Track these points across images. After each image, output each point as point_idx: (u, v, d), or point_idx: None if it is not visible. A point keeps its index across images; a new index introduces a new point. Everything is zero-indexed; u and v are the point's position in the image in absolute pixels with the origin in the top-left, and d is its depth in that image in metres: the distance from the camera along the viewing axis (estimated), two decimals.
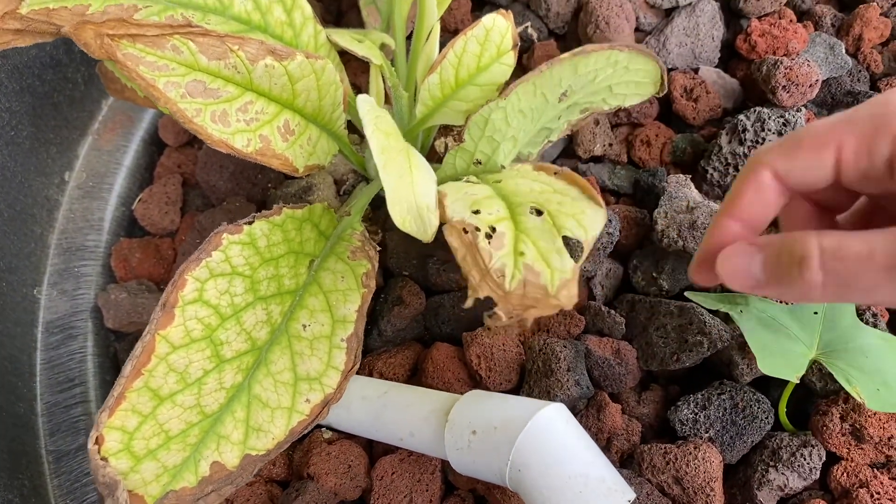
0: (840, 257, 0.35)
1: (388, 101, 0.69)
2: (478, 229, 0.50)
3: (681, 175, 0.67)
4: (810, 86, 0.68)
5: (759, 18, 0.77)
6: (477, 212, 0.51)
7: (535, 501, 0.47)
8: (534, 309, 0.50)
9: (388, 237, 0.71)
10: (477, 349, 0.61)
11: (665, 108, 0.76)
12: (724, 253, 0.40)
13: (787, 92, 0.68)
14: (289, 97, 0.56)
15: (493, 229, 0.51)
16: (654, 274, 0.66)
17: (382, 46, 0.71)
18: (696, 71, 0.76)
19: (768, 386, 0.62)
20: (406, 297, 0.66)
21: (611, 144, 0.74)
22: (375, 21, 0.76)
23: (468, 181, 0.60)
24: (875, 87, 0.75)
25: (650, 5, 0.78)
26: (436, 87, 0.63)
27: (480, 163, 0.62)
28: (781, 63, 0.68)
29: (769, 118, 0.66)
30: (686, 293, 0.58)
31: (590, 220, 0.52)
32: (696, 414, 0.59)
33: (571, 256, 0.51)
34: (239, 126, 0.53)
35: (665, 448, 0.56)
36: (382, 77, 0.67)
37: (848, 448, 0.57)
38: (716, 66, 0.77)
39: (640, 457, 0.57)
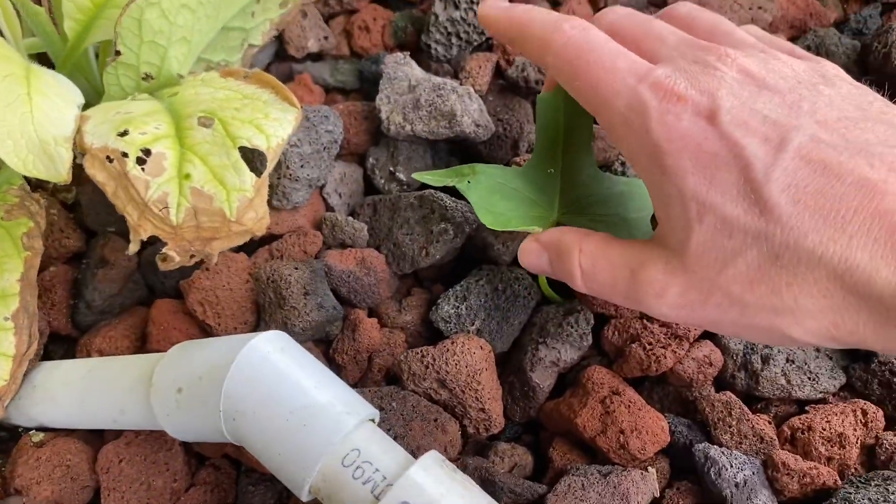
0: (593, 281, 0.42)
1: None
2: (125, 155, 0.40)
3: (398, 53, 0.60)
4: None
5: None
6: (125, 132, 0.41)
7: (257, 450, 0.40)
8: (216, 241, 0.42)
9: (81, 192, 0.59)
10: (197, 296, 0.52)
11: None
12: (522, 247, 0.47)
13: None
14: None
15: (148, 152, 0.41)
16: (391, 168, 0.59)
17: None
18: None
19: None
20: (110, 256, 0.56)
21: (326, 38, 0.66)
22: None
23: (135, 100, 0.49)
24: None
25: None
26: None
27: (151, 77, 0.52)
28: None
29: None
30: (414, 174, 0.51)
31: (274, 124, 0.44)
32: (458, 308, 0.53)
33: (253, 170, 0.43)
34: None
35: (421, 352, 0.50)
36: None
37: (614, 305, 0.53)
38: None
39: (398, 368, 0.51)
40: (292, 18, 0.64)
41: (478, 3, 0.60)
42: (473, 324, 0.53)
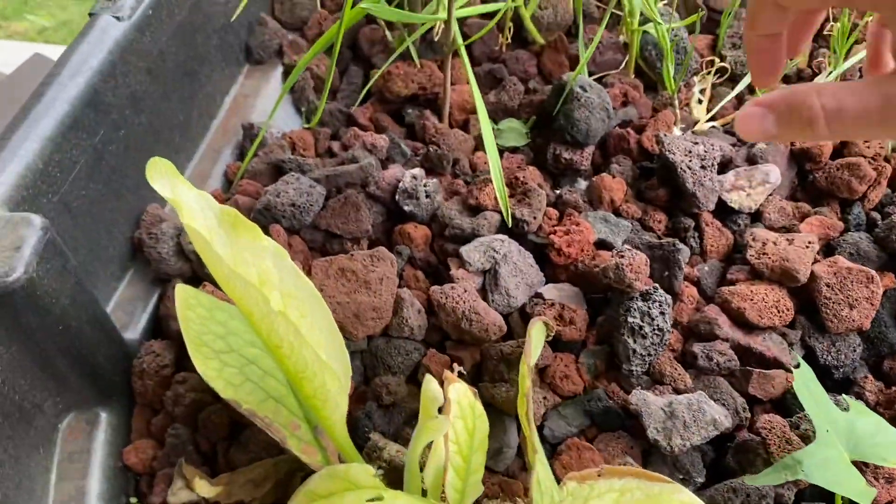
0: (841, 118, 0.40)
1: None
2: None
3: None
4: (645, 265, 0.80)
5: (555, 231, 0.88)
6: None
7: None
8: None
9: None
10: None
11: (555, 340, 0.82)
12: (740, 116, 0.45)
13: (638, 280, 0.79)
14: None
15: None
16: None
17: None
18: (540, 296, 0.84)
19: None
20: None
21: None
22: None
23: None
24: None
25: (470, 272, 0.84)
26: None
27: None
28: (622, 265, 0.78)
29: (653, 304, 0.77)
30: None
31: None
32: None
33: None
34: None
35: None
36: None
37: None
38: (545, 284, 0.86)
39: None
40: None
41: (661, 331, 0.77)
42: None
